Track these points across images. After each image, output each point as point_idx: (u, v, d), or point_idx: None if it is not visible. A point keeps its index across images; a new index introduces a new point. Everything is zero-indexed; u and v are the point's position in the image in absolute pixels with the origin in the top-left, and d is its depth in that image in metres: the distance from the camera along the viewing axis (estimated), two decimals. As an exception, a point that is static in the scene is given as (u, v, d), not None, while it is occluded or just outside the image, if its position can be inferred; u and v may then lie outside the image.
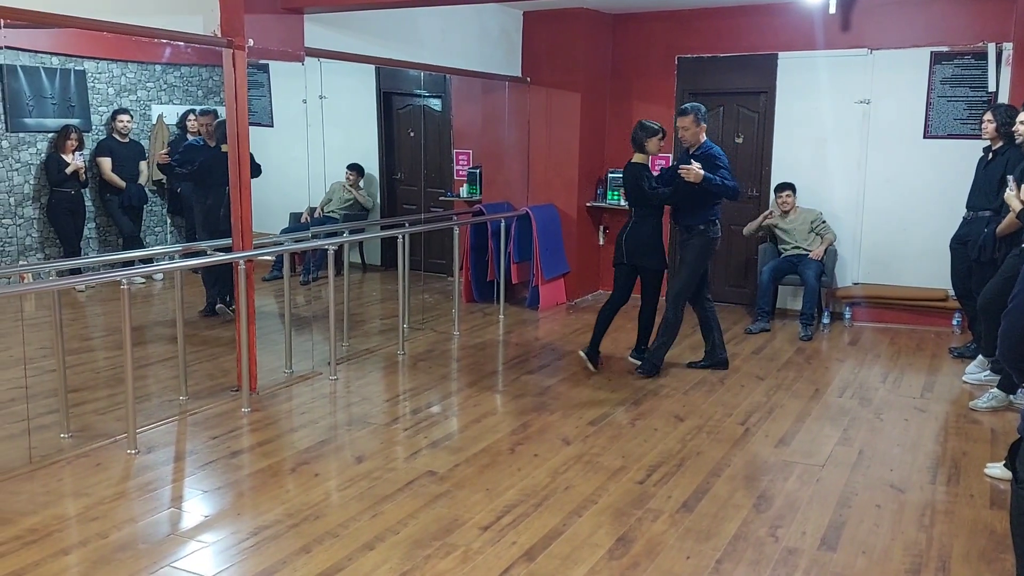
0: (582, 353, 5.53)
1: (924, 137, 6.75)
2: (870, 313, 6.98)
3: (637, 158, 5.41)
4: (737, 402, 4.99)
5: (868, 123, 6.92)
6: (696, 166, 5.12)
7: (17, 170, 7.27)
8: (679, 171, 5.20)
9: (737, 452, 4.22)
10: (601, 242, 8.14)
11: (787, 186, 6.93)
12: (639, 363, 5.52)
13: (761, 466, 4.07)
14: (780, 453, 4.22)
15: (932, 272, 6.67)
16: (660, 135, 5.38)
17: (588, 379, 5.42)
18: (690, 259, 5.45)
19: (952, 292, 6.15)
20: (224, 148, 5.55)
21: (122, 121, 7.68)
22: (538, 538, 3.29)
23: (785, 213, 6.93)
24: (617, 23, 7.77)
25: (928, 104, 6.70)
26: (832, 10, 6.51)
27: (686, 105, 5.46)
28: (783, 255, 6.91)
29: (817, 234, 6.83)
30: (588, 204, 7.85)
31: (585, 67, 7.52)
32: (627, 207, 5.69)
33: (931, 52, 6.64)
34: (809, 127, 7.14)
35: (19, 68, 7.15)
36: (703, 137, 5.40)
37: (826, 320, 6.94)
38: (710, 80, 7.53)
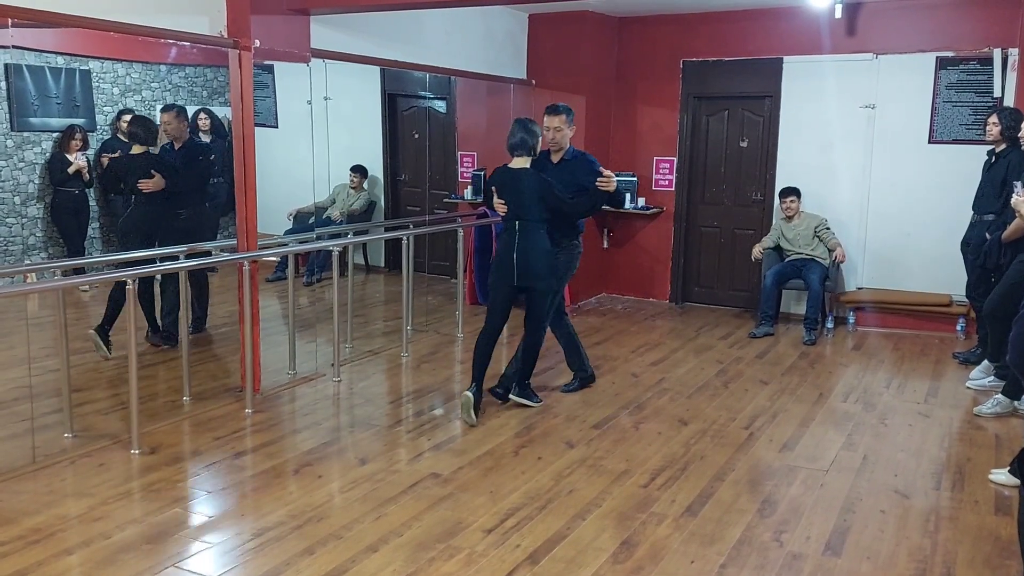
0: (469, 393, 4.60)
1: (929, 142, 6.74)
2: (874, 318, 6.97)
3: (522, 163, 4.59)
4: (741, 406, 4.98)
5: (873, 128, 6.91)
6: (608, 172, 4.58)
7: (21, 169, 7.28)
8: (599, 182, 4.55)
9: (741, 456, 4.21)
10: (605, 245, 8.14)
11: (792, 191, 6.92)
12: (528, 399, 4.87)
13: (765, 471, 4.06)
14: (784, 458, 4.21)
15: (936, 277, 6.66)
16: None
17: (591, 383, 5.41)
18: (561, 276, 4.91)
19: (960, 296, 6.14)
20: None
21: (127, 121, 7.68)
22: (542, 541, 3.28)
23: (789, 218, 6.92)
24: (622, 26, 7.77)
25: (933, 109, 6.69)
26: (838, 15, 6.52)
27: (558, 104, 4.87)
28: (787, 259, 6.90)
29: (821, 240, 6.82)
30: (592, 207, 7.84)
31: (590, 70, 7.52)
32: (502, 219, 4.75)
33: (936, 57, 6.63)
34: (814, 132, 7.13)
35: (24, 67, 7.16)
36: (568, 142, 4.86)
37: (830, 324, 6.93)
38: (715, 84, 7.53)
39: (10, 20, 3.87)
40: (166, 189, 5.58)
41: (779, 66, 7.19)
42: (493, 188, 4.73)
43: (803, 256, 6.82)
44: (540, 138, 4.64)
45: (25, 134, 7.27)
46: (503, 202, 4.63)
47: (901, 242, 6.92)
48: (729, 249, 7.72)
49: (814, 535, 3.38)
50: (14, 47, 6.22)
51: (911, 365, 5.98)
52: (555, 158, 4.86)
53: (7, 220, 7.25)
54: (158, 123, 5.98)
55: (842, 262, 6.77)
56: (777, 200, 7.11)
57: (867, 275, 7.09)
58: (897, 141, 6.85)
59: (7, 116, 7.17)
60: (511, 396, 4.86)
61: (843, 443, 4.42)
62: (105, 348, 5.43)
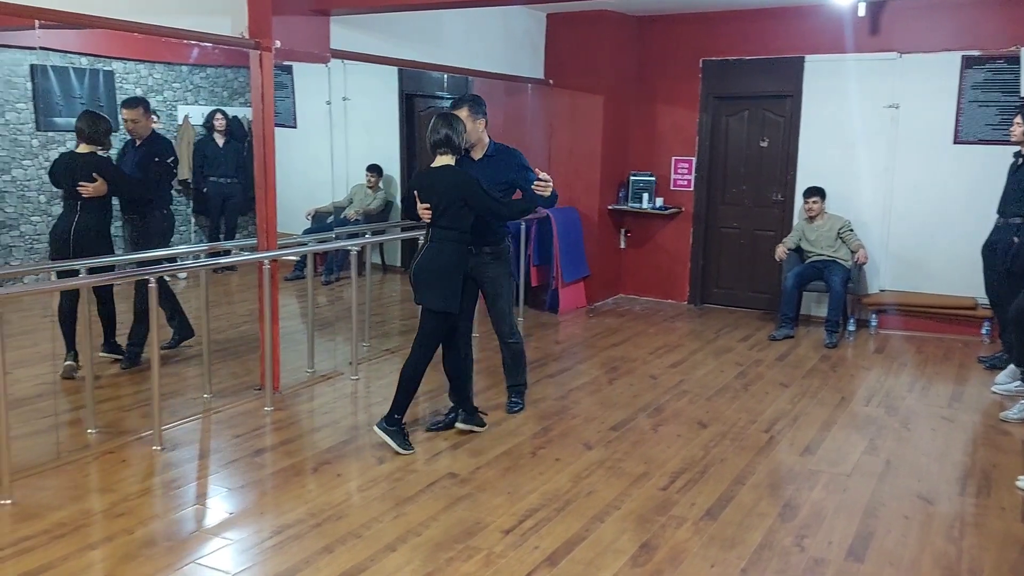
0: (462, 424, 4.40)
1: (954, 143, 6.66)
2: (897, 321, 6.90)
3: (446, 161, 4.11)
4: (761, 409, 4.95)
5: (897, 128, 6.84)
6: (544, 175, 4.24)
7: (46, 168, 7.35)
8: (535, 187, 4.22)
9: (761, 460, 4.17)
10: (623, 245, 8.11)
11: (816, 191, 6.84)
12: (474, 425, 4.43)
13: (786, 474, 4.03)
14: (806, 462, 4.17)
15: (961, 280, 6.58)
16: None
17: (609, 384, 5.39)
18: (503, 288, 4.51)
19: (983, 299, 6.07)
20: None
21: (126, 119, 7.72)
22: (560, 543, 3.27)
23: (812, 219, 6.86)
24: (642, 25, 7.74)
25: (959, 109, 6.61)
26: (861, 13, 6.45)
27: (473, 96, 4.45)
28: (808, 261, 6.84)
29: (844, 241, 6.75)
30: (610, 207, 7.82)
31: (609, 70, 7.50)
32: (431, 226, 4.18)
33: (962, 56, 6.55)
34: (836, 132, 7.07)
35: (50, 68, 7.23)
36: (486, 136, 4.44)
37: (851, 327, 6.86)
38: (735, 83, 7.48)
39: (37, 21, 3.92)
40: (108, 195, 5.00)
41: (801, 65, 7.14)
42: (415, 192, 4.17)
43: (825, 258, 6.75)
44: (465, 135, 4.16)
45: (50, 134, 7.34)
46: (427, 207, 4.09)
47: (925, 244, 6.85)
48: (749, 250, 7.67)
49: (836, 540, 3.35)
50: (40, 48, 6.27)
51: (934, 369, 5.91)
52: (476, 155, 4.41)
53: (32, 218, 7.33)
54: (119, 119, 5.38)
55: (864, 264, 6.70)
56: (799, 200, 7.05)
57: (890, 277, 7.02)
58: (921, 141, 6.77)
59: (33, 116, 7.26)
60: (375, 428, 4.20)
61: (865, 447, 4.37)
62: (120, 357, 5.29)
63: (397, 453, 4.11)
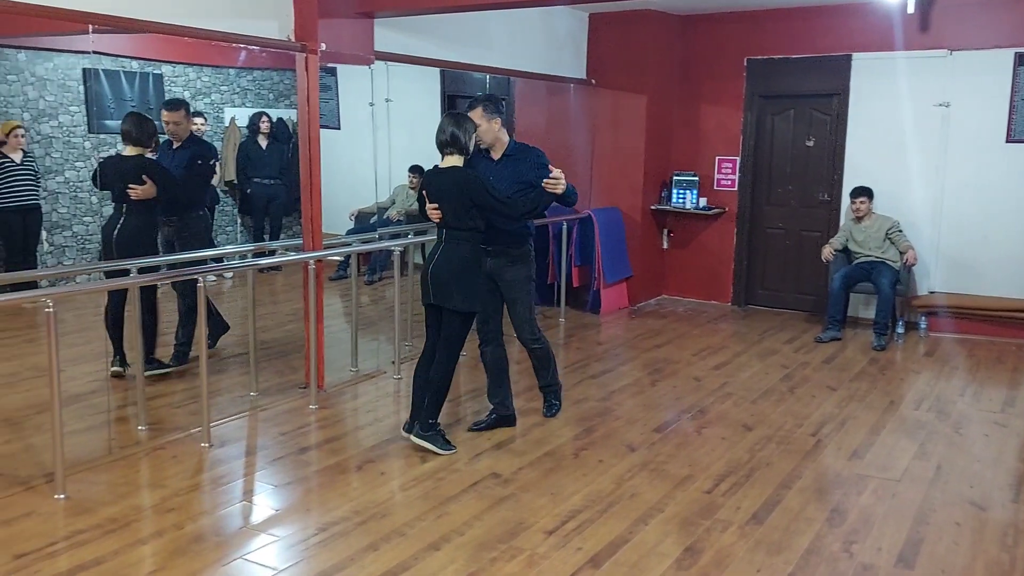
0: (406, 433, 4.23)
1: (1007, 141, 6.50)
2: (947, 323, 6.74)
3: (454, 162, 4.07)
4: (807, 412, 4.87)
5: (947, 127, 6.69)
6: (557, 172, 4.10)
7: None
8: (546, 183, 4.06)
9: (808, 464, 4.11)
10: (665, 246, 8.05)
11: (863, 191, 6.71)
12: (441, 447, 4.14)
13: (834, 479, 3.96)
14: (854, 466, 4.10)
15: (1014, 281, 6.42)
16: (476, 131, 4.19)
17: (652, 385, 5.36)
18: (522, 291, 4.38)
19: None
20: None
21: (196, 124, 7.88)
22: (604, 545, 3.26)
23: (859, 220, 6.73)
24: (685, 24, 7.68)
25: (1012, 107, 6.44)
26: (910, 10, 6.31)
27: (477, 95, 4.43)
28: (855, 262, 6.72)
29: (892, 242, 6.60)
30: (652, 207, 7.77)
31: (652, 69, 7.45)
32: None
33: (1015, 53, 6.38)
34: (884, 131, 6.93)
35: (101, 72, 7.42)
36: (506, 135, 4.35)
37: (900, 330, 6.72)
38: (781, 82, 7.38)
39: (91, 26, 4.02)
40: (157, 198, 4.99)
41: (848, 63, 7.01)
42: (424, 193, 4.17)
43: (873, 259, 6.62)
44: (474, 135, 4.11)
45: (101, 136, 7.53)
46: (436, 207, 4.08)
47: (976, 245, 6.68)
48: (795, 251, 7.56)
49: (886, 546, 3.29)
50: (94, 52, 6.43)
51: (987, 373, 5.77)
52: (495, 155, 4.35)
53: (84, 219, 7.52)
54: (161, 121, 5.34)
55: (913, 265, 6.56)
56: (846, 200, 6.93)
57: (940, 279, 6.86)
58: (973, 140, 6.61)
59: (85, 119, 7.46)
60: (412, 437, 4.15)
61: (915, 452, 4.28)
62: (163, 371, 5.21)
63: (434, 452, 4.12)
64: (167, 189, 5.03)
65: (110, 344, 5.09)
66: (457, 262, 4.05)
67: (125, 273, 4.65)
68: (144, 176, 4.92)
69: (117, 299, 5.03)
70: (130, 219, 4.97)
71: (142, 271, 4.66)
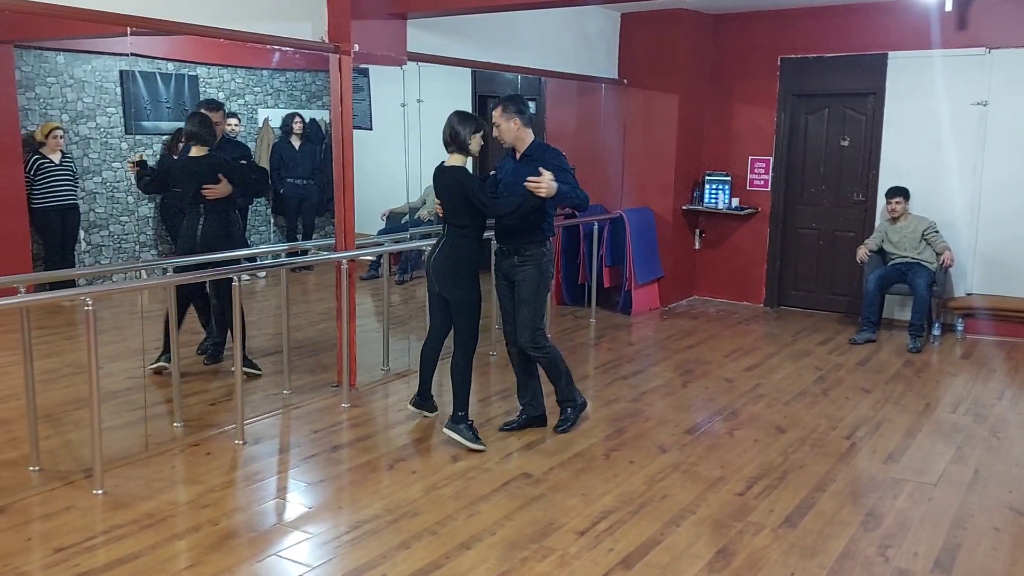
0: (411, 406, 4.61)
1: (1048, 140, 6.37)
2: (985, 325, 6.62)
3: (455, 160, 4.19)
4: (842, 415, 4.81)
5: (985, 126, 6.57)
6: (548, 176, 3.99)
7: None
8: (527, 183, 4.00)
9: (842, 467, 4.06)
10: (697, 246, 8.00)
11: (899, 191, 6.60)
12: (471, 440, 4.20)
13: (869, 482, 3.91)
14: (889, 470, 4.04)
15: (1055, 283, 6.28)
16: (482, 130, 4.21)
17: (683, 387, 5.33)
18: (529, 293, 4.31)
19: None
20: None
21: (231, 124, 7.99)
22: (635, 546, 3.25)
23: (894, 220, 6.63)
24: (718, 23, 7.62)
25: (1053, 106, 6.32)
26: (948, 7, 6.20)
27: (509, 96, 4.41)
28: (890, 263, 6.62)
29: (929, 243, 6.50)
30: (684, 207, 7.73)
31: (684, 69, 7.41)
32: (447, 223, 4.29)
33: (1057, 50, 6.26)
34: (921, 130, 6.83)
35: (138, 73, 7.54)
36: (529, 135, 4.32)
37: (936, 332, 6.61)
38: (815, 81, 7.30)
39: (129, 28, 4.09)
40: (232, 196, 5.06)
41: (884, 62, 6.92)
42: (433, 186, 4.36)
43: (908, 260, 6.52)
44: (476, 133, 4.15)
45: (138, 137, 7.66)
46: (439, 203, 4.30)
47: (1015, 245, 6.56)
48: (828, 252, 7.47)
49: (922, 551, 3.24)
50: (131, 54, 6.54)
51: (1026, 376, 5.66)
52: (518, 154, 4.34)
53: (121, 219, 7.65)
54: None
55: (950, 266, 6.45)
56: (882, 200, 6.83)
57: (977, 280, 6.74)
58: (1012, 139, 6.49)
59: (122, 120, 7.59)
60: (443, 429, 4.27)
61: (952, 456, 4.21)
62: (217, 357, 5.40)
63: (470, 450, 4.14)
64: (246, 185, 5.11)
65: (150, 339, 5.16)
66: (452, 256, 4.22)
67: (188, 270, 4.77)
68: (219, 175, 4.97)
69: (184, 298, 5.00)
70: (211, 218, 5.01)
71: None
